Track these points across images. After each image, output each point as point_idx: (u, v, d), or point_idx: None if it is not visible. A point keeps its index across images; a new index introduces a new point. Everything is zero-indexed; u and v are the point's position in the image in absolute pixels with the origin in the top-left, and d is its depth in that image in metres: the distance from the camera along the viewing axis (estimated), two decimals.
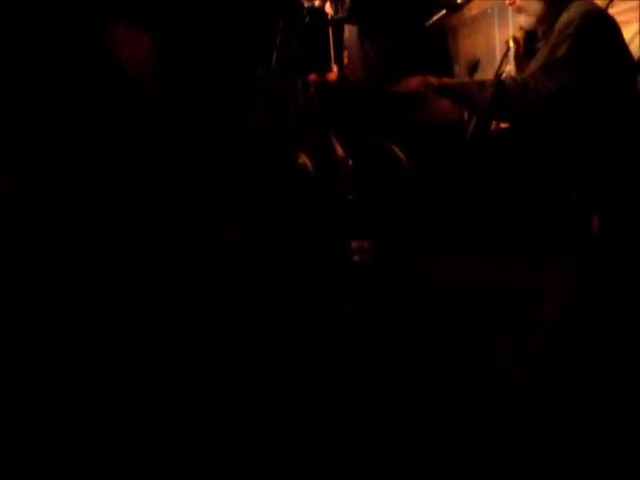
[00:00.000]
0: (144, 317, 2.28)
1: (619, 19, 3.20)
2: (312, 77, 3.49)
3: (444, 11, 2.96)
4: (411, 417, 1.90)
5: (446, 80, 2.86)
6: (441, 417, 1.87)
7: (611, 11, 3.23)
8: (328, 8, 3.54)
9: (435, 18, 2.97)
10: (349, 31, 3.55)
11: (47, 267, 2.35)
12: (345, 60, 3.59)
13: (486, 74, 3.14)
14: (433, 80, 2.84)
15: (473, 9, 3.60)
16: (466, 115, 2.90)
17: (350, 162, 2.54)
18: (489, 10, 3.88)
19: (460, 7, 3.01)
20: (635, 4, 3.53)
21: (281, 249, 2.38)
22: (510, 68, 3.26)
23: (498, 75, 2.88)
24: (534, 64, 2.82)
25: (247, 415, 1.96)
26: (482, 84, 2.82)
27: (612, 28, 2.76)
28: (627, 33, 3.35)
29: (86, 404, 2.01)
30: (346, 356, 2.07)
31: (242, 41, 3.74)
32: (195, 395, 2.05)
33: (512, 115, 2.72)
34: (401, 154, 2.59)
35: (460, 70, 3.90)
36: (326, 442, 1.86)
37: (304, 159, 2.56)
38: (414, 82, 2.83)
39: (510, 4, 2.89)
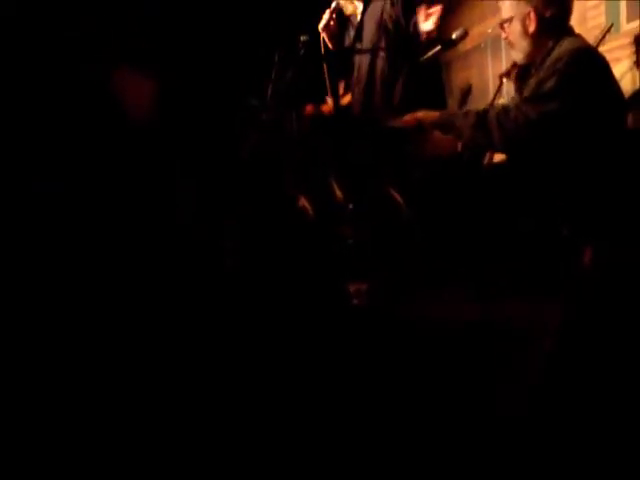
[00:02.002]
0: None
1: (610, 56, 3.26)
2: (307, 109, 3.51)
3: (439, 47, 3.01)
4: (413, 456, 1.90)
5: (435, 113, 2.90)
6: (443, 454, 1.87)
7: (602, 48, 3.29)
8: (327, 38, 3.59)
9: (431, 54, 3.01)
10: (360, 62, 3.59)
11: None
12: (347, 92, 3.62)
13: (479, 106, 3.17)
14: (422, 115, 2.87)
15: (467, 43, 3.64)
16: (460, 148, 2.92)
17: (350, 206, 2.55)
18: (482, 44, 3.92)
19: (455, 43, 3.06)
20: (626, 42, 3.59)
21: (280, 291, 2.38)
22: (503, 101, 3.30)
23: (489, 106, 2.93)
24: (522, 96, 2.86)
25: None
26: (466, 113, 2.87)
27: (601, 65, 2.80)
28: (618, 70, 3.40)
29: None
30: (345, 396, 2.06)
31: (237, 73, 3.77)
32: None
33: (492, 142, 2.76)
34: (399, 198, 2.61)
35: (453, 103, 3.93)
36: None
37: (304, 202, 2.57)
38: (420, 115, 2.87)
39: (504, 38, 2.95)
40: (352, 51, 3.57)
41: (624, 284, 2.37)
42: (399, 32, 3.49)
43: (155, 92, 2.57)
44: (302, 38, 3.36)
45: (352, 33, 3.68)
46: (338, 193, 2.53)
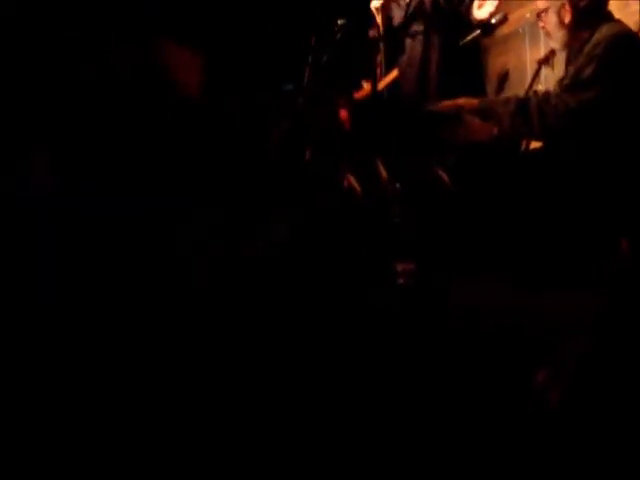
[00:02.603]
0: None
1: None
2: (343, 95, 3.50)
3: (478, 31, 2.98)
4: (441, 445, 1.90)
5: (475, 100, 2.88)
6: (475, 446, 1.87)
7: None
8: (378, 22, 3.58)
9: (469, 38, 2.99)
10: (409, 49, 3.58)
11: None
12: (385, 75, 3.61)
13: (517, 93, 3.14)
14: (463, 101, 2.86)
15: (505, 28, 3.59)
16: (496, 135, 2.91)
17: (397, 185, 2.55)
18: (520, 30, 3.88)
19: (494, 28, 3.04)
20: None
21: (328, 269, 2.39)
22: (541, 88, 3.27)
23: (527, 93, 2.90)
24: (561, 84, 2.84)
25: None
26: (507, 100, 2.86)
27: None
28: None
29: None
30: (382, 378, 2.07)
31: (273, 57, 3.77)
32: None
33: (532, 130, 2.74)
34: (446, 177, 2.61)
35: (490, 89, 3.90)
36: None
37: (352, 181, 2.58)
38: (462, 102, 2.86)
39: (542, 27, 2.92)
40: (401, 33, 3.55)
41: None
42: (444, 14, 3.47)
43: (203, 69, 2.59)
44: (339, 22, 3.35)
45: (396, 14, 3.66)
46: (384, 173, 2.53)
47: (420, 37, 3.51)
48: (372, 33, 3.67)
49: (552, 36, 2.89)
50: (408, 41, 3.58)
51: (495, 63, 4.10)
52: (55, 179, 2.44)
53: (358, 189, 2.56)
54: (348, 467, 1.81)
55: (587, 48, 2.76)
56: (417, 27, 3.57)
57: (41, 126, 2.44)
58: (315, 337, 2.18)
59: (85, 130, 2.46)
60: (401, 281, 2.37)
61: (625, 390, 1.95)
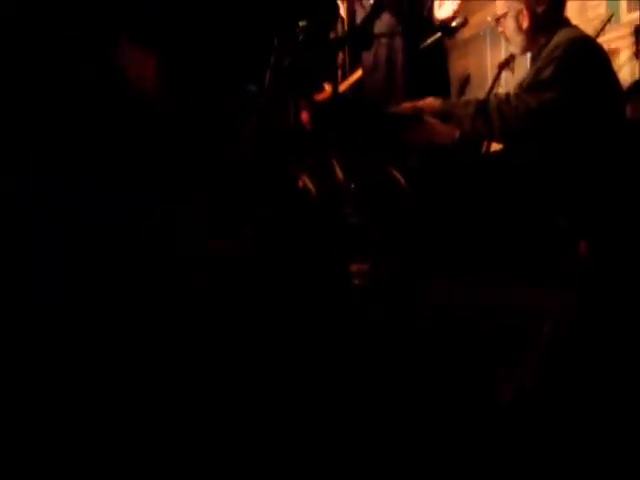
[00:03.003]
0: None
1: (610, 47, 3.26)
2: (303, 96, 3.50)
3: (439, 34, 3.00)
4: (408, 436, 1.91)
5: (437, 102, 2.89)
6: (438, 436, 1.88)
7: (602, 39, 3.29)
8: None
9: (430, 41, 3.00)
10: (370, 53, 3.58)
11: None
12: (351, 80, 3.61)
13: (477, 96, 3.17)
14: (423, 103, 2.87)
15: (466, 32, 3.62)
16: (457, 137, 2.92)
17: (352, 185, 2.55)
18: (482, 33, 3.92)
19: (455, 30, 3.05)
20: (626, 32, 3.59)
21: (281, 271, 2.38)
22: (502, 91, 3.30)
23: (488, 96, 2.93)
24: (520, 86, 2.87)
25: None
26: (466, 103, 2.88)
27: (599, 54, 2.81)
28: (617, 61, 3.40)
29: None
30: (344, 381, 2.07)
31: (235, 58, 3.75)
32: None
33: (493, 132, 2.76)
34: (401, 178, 2.61)
35: (451, 91, 3.92)
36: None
37: (305, 181, 2.57)
38: (423, 104, 2.87)
39: (500, 33, 2.95)
40: (364, 34, 3.55)
41: (620, 275, 2.38)
42: (407, 16, 3.48)
43: (159, 66, 2.56)
44: (301, 23, 3.34)
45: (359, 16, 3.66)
46: (339, 173, 2.53)
47: (384, 40, 3.52)
48: (334, 35, 3.68)
49: (511, 41, 2.92)
50: (374, 44, 3.59)
51: (456, 66, 4.13)
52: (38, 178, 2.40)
53: (312, 189, 2.55)
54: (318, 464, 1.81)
55: (545, 51, 2.79)
56: (381, 29, 3.57)
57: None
58: (276, 335, 2.18)
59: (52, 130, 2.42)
60: (356, 282, 2.37)
61: (588, 386, 1.98)
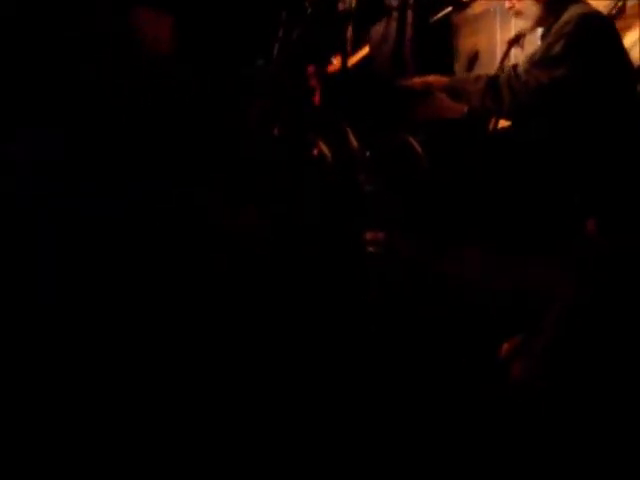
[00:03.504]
0: (149, 314, 2.28)
1: (620, 25, 3.23)
2: (311, 69, 3.48)
3: (450, 8, 2.98)
4: (414, 415, 1.91)
5: (445, 77, 2.88)
6: (444, 414, 1.88)
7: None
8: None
9: (440, 15, 2.99)
10: (379, 26, 3.56)
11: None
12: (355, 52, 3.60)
13: (486, 72, 3.14)
14: (432, 79, 2.86)
15: (476, 7, 3.60)
16: (465, 113, 2.91)
17: (367, 153, 2.54)
18: (492, 9, 3.88)
19: (465, 4, 3.03)
20: (637, 11, 3.55)
21: (298, 237, 2.38)
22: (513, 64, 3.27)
23: (496, 72, 2.91)
24: (530, 60, 2.85)
25: (252, 414, 1.96)
26: (476, 78, 2.86)
27: (609, 30, 2.79)
28: (628, 39, 3.37)
29: (87, 405, 2.00)
30: (354, 350, 2.07)
31: (243, 32, 3.73)
32: (198, 394, 2.05)
33: (503, 108, 2.75)
34: (418, 146, 2.60)
35: (460, 67, 3.90)
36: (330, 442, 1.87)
37: (322, 147, 2.56)
38: (432, 79, 2.85)
39: (510, 8, 2.92)
40: (375, 11, 3.53)
41: (631, 256, 2.38)
42: None
43: (173, 29, 2.55)
44: None
45: None
46: (354, 141, 2.52)
47: (394, 13, 3.49)
48: (342, 7, 3.65)
49: (524, 14, 2.88)
50: (383, 17, 3.57)
51: (465, 43, 4.09)
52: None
53: (329, 155, 2.54)
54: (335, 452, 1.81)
55: (556, 27, 2.77)
56: (391, 2, 3.55)
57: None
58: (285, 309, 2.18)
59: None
60: (371, 249, 2.36)
61: (597, 367, 1.98)
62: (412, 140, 2.61)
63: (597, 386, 1.91)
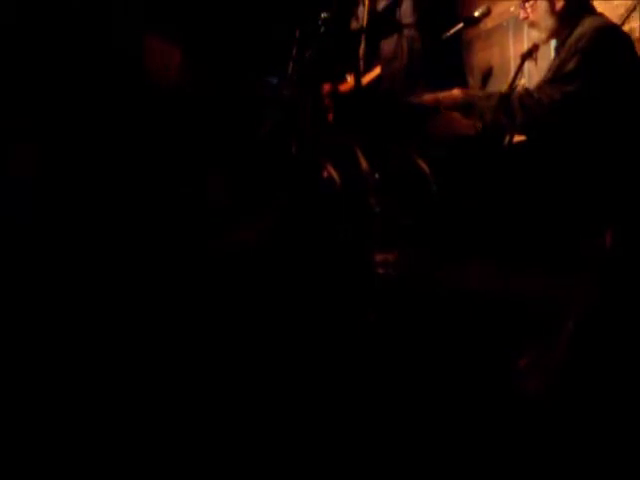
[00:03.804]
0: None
1: (635, 35, 3.21)
2: (326, 87, 3.49)
3: (462, 24, 2.98)
4: (422, 430, 1.90)
5: (457, 94, 2.88)
6: (455, 430, 1.87)
7: (626, 27, 3.25)
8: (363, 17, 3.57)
9: (453, 31, 2.99)
10: (389, 43, 3.58)
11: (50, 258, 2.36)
12: (369, 70, 3.61)
13: (500, 87, 3.15)
14: (444, 95, 2.86)
15: (489, 22, 3.60)
16: (479, 129, 2.91)
17: (376, 175, 2.54)
18: (504, 23, 3.89)
19: (478, 21, 3.03)
20: None
21: (307, 261, 2.39)
22: (524, 82, 3.27)
23: (510, 87, 2.90)
24: (544, 78, 2.84)
25: (254, 416, 1.96)
26: (489, 95, 2.86)
27: (625, 44, 2.77)
28: None
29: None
30: (363, 365, 2.07)
31: (257, 50, 3.76)
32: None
33: (515, 124, 2.74)
34: (426, 168, 2.60)
35: (474, 83, 3.90)
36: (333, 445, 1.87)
37: (330, 170, 2.57)
38: (443, 96, 2.85)
39: (524, 18, 2.91)
40: (387, 28, 3.55)
41: None
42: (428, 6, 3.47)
43: (182, 61, 2.58)
44: (323, 15, 3.33)
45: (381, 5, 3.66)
46: (363, 162, 2.52)
47: (405, 30, 3.50)
48: (355, 25, 3.67)
49: (539, 25, 2.87)
50: (393, 34, 3.58)
51: (479, 58, 4.10)
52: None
53: (337, 179, 2.55)
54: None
55: (570, 41, 2.76)
56: (402, 18, 3.56)
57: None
58: (297, 326, 2.18)
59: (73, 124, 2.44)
60: (381, 271, 2.36)
61: (611, 382, 1.96)
62: (420, 162, 2.61)
63: (613, 401, 1.89)
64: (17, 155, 2.38)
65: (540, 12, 2.82)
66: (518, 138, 2.97)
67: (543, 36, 2.91)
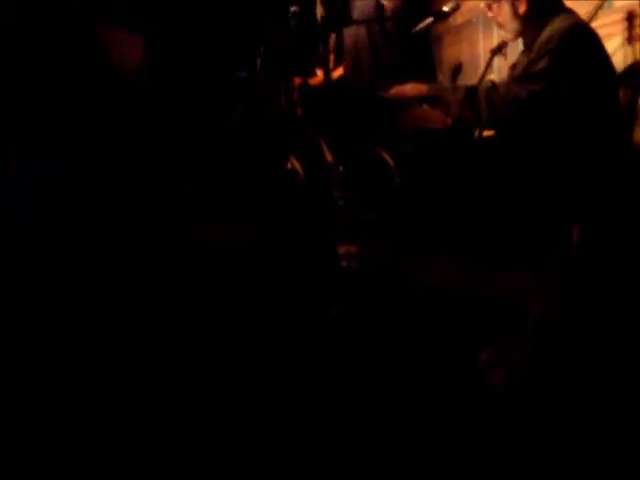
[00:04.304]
0: (145, 314, 2.27)
1: (602, 32, 3.23)
2: (296, 81, 3.47)
3: (431, 19, 2.97)
4: (392, 423, 1.90)
5: (424, 86, 2.88)
6: (423, 423, 1.87)
7: (594, 24, 3.26)
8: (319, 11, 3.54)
9: (422, 25, 2.98)
10: (355, 35, 3.56)
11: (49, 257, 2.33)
12: (338, 65, 3.60)
13: (469, 82, 3.15)
14: (409, 88, 2.85)
15: (458, 18, 3.61)
16: (449, 122, 2.91)
17: (340, 168, 2.53)
18: (474, 19, 3.90)
19: (447, 15, 3.03)
20: (618, 17, 3.57)
21: (270, 253, 2.37)
22: (494, 77, 3.28)
23: (480, 83, 2.91)
24: (512, 74, 2.85)
25: (240, 413, 1.96)
26: (455, 88, 2.86)
27: (593, 43, 2.78)
28: (610, 46, 3.38)
29: (86, 404, 1.99)
30: (329, 359, 2.06)
31: (225, 44, 3.73)
32: (192, 393, 2.04)
33: (480, 119, 2.74)
34: (391, 161, 2.59)
35: (443, 77, 3.91)
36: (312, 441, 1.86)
37: (294, 163, 2.56)
38: (409, 88, 2.85)
39: (492, 18, 2.92)
40: (346, 22, 3.53)
41: (610, 262, 2.37)
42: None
43: (144, 51, 2.54)
44: (292, 9, 3.32)
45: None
46: (328, 155, 2.51)
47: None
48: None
49: (504, 27, 2.88)
50: (350, 29, 3.56)
51: (448, 53, 4.11)
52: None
53: (300, 172, 2.54)
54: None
55: (539, 41, 2.75)
56: (365, 12, 3.54)
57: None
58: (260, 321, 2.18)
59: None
60: (344, 263, 2.36)
61: (574, 374, 1.97)
62: (385, 154, 2.60)
63: (576, 393, 1.91)
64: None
65: (505, 15, 2.82)
66: (487, 133, 2.98)
67: (509, 36, 2.92)
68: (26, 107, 2.40)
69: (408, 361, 2.06)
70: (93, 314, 2.27)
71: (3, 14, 2.36)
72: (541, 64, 2.67)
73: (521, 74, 2.76)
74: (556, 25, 2.74)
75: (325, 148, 2.53)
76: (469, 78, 3.69)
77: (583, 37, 2.76)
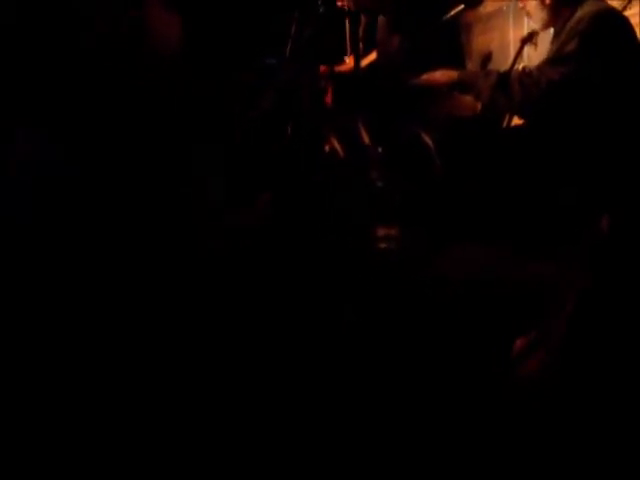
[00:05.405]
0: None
1: (635, 21, 3.21)
2: (323, 69, 3.48)
3: (462, 6, 2.97)
4: (418, 416, 1.90)
5: (454, 72, 2.87)
6: (451, 415, 1.87)
7: (628, 12, 3.24)
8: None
9: (452, 13, 2.97)
10: (385, 22, 3.55)
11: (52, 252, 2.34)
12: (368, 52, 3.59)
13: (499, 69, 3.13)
14: (440, 75, 2.85)
15: (488, 6, 3.59)
16: (479, 110, 2.90)
17: (379, 149, 2.53)
18: (504, 7, 3.87)
19: (478, 3, 3.02)
20: None
21: (307, 232, 2.38)
22: (524, 65, 3.26)
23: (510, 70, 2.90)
24: (544, 60, 2.83)
25: (246, 413, 1.96)
26: (487, 73, 2.86)
27: (624, 27, 2.77)
28: None
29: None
30: (358, 349, 2.07)
31: (254, 30, 3.74)
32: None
33: (513, 103, 2.73)
34: (431, 143, 2.59)
35: (472, 66, 3.89)
36: (326, 441, 1.86)
37: (334, 143, 2.56)
38: (439, 75, 2.85)
39: (522, 8, 2.92)
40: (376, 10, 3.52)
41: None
42: None
43: (184, 30, 2.55)
44: None
45: None
46: (366, 137, 2.51)
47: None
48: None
49: (533, 17, 2.88)
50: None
51: (478, 41, 4.09)
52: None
53: (341, 152, 2.54)
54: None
55: (569, 25, 2.75)
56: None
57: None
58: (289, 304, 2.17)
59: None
60: (383, 245, 2.36)
61: (607, 363, 1.96)
62: (424, 136, 2.60)
63: (612, 383, 1.90)
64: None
65: (532, 4, 2.82)
66: (516, 122, 2.97)
67: (538, 26, 2.91)
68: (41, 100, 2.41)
69: (439, 353, 2.06)
70: (95, 313, 2.28)
71: None
72: (571, 46, 2.67)
73: (552, 57, 2.75)
74: (586, 9, 2.74)
75: (362, 130, 2.53)
76: (499, 67, 3.65)
77: (613, 20, 2.76)
